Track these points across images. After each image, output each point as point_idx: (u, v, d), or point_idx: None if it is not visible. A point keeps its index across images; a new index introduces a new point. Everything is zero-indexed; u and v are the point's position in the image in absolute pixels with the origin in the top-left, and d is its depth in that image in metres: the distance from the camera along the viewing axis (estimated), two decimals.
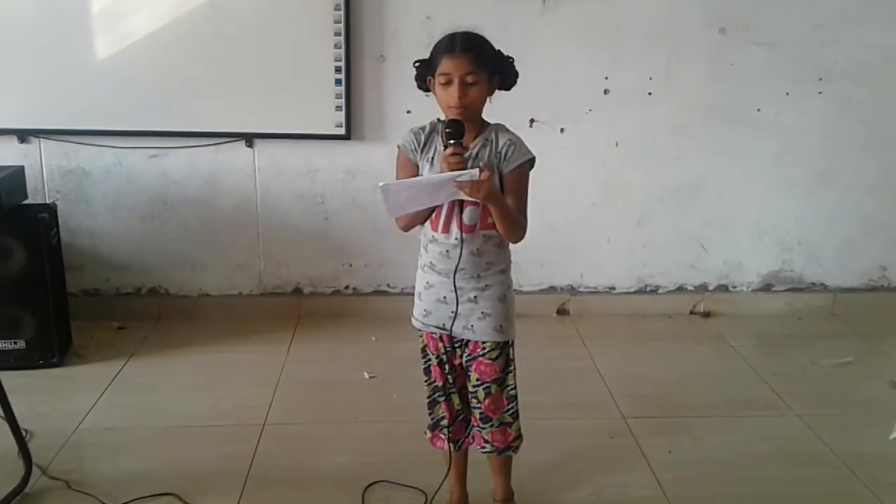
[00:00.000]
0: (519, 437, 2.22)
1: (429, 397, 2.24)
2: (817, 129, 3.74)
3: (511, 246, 2.12)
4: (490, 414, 2.15)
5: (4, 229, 3.04)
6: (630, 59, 3.60)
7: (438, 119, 2.06)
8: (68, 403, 2.94)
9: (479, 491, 2.36)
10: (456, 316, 2.07)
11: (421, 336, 2.19)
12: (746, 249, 3.91)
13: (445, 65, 1.90)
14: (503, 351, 2.12)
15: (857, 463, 2.63)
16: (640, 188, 3.79)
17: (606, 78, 3.62)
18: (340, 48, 3.44)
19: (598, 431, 2.83)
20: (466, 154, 1.92)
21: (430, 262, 2.08)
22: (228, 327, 3.65)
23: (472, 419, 2.20)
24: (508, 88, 2.03)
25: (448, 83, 1.91)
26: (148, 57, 3.42)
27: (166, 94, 3.46)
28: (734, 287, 3.97)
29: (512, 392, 2.17)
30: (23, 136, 3.52)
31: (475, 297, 2.07)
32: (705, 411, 2.98)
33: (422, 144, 2.03)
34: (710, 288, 3.96)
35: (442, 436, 2.24)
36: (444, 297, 2.08)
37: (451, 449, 2.23)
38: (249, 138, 3.59)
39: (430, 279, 2.10)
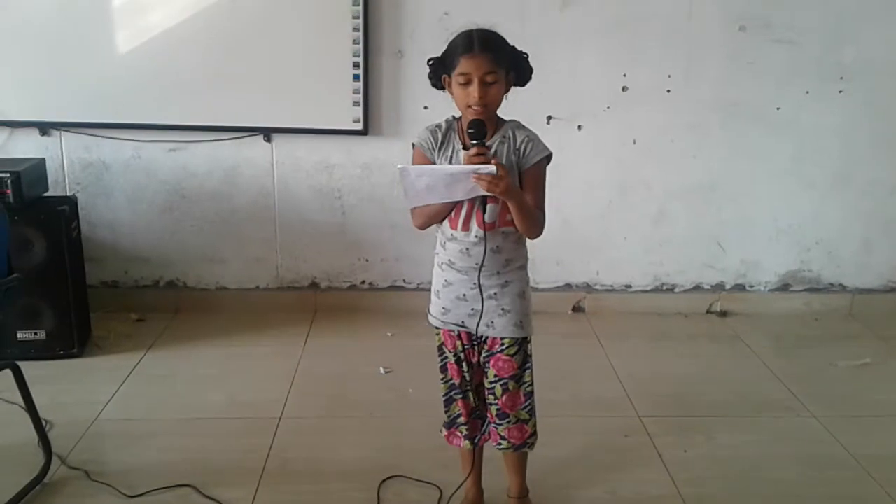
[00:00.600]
0: (534, 433, 2.22)
1: (445, 395, 2.24)
2: (837, 129, 3.71)
3: (528, 243, 2.12)
4: (507, 410, 2.16)
5: (26, 221, 3.08)
6: (649, 57, 3.59)
7: (454, 116, 2.06)
8: (88, 394, 2.97)
9: (495, 488, 2.37)
10: (480, 314, 2.07)
11: (438, 334, 2.20)
12: (764, 249, 3.89)
13: (465, 64, 1.90)
14: (521, 347, 2.13)
15: (873, 465, 2.61)
16: (658, 186, 3.78)
17: (625, 75, 3.61)
18: (359, 44, 3.45)
19: (613, 429, 2.82)
20: (490, 153, 1.92)
21: (450, 260, 2.08)
22: (246, 320, 3.68)
23: (489, 416, 2.21)
24: (523, 84, 2.02)
25: (468, 83, 1.91)
26: (168, 51, 3.44)
27: (186, 88, 3.48)
28: (751, 286, 3.95)
29: (529, 389, 2.17)
30: (44, 128, 3.56)
31: (495, 293, 2.07)
32: (721, 411, 2.97)
33: (439, 143, 2.03)
34: (727, 287, 3.94)
35: (458, 433, 2.24)
36: (464, 295, 2.08)
37: (468, 446, 2.24)
38: (268, 133, 3.61)
39: (449, 277, 2.10)
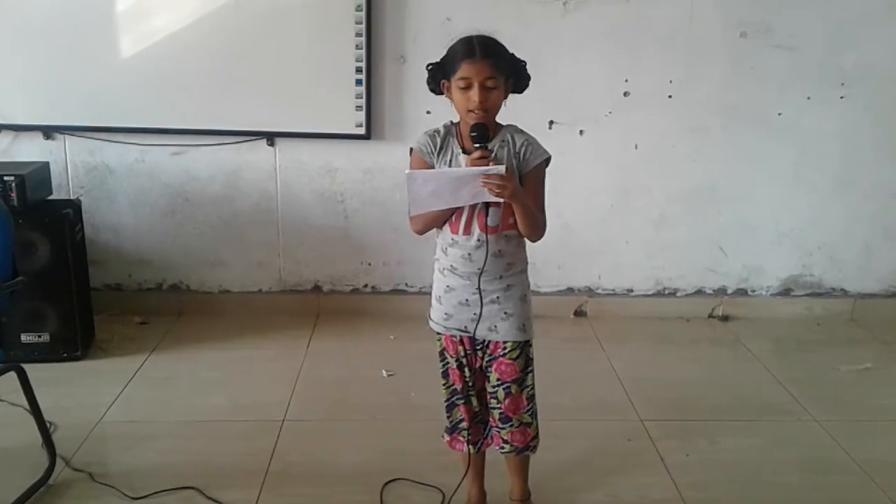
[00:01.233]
0: (536, 436, 2.23)
1: (447, 400, 2.24)
2: (838, 134, 3.72)
3: (529, 246, 2.13)
4: (510, 414, 2.17)
5: (30, 224, 3.09)
6: (650, 62, 3.60)
7: (452, 122, 2.07)
8: (91, 397, 2.98)
9: (497, 491, 2.37)
10: (481, 318, 2.08)
11: (439, 339, 2.20)
12: (766, 253, 3.90)
13: (465, 69, 1.92)
14: (523, 350, 2.13)
15: (875, 469, 2.62)
16: (659, 191, 3.79)
17: (626, 80, 3.62)
18: (361, 49, 3.47)
19: (615, 433, 2.83)
20: (491, 156, 1.93)
21: (451, 266, 2.09)
22: (248, 324, 3.69)
23: (491, 420, 2.21)
24: (521, 91, 2.04)
25: (468, 87, 1.92)
26: (172, 55, 3.46)
27: (190, 92, 3.50)
28: (753, 291, 3.96)
29: (531, 392, 2.18)
30: (48, 132, 3.57)
31: (498, 297, 2.08)
32: (723, 415, 2.98)
33: (438, 147, 2.04)
34: (729, 292, 3.95)
35: (461, 438, 2.24)
36: (466, 300, 2.09)
37: (470, 451, 2.25)
38: (271, 137, 3.63)
39: (451, 282, 2.11)
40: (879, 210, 3.84)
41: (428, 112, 3.51)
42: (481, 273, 2.04)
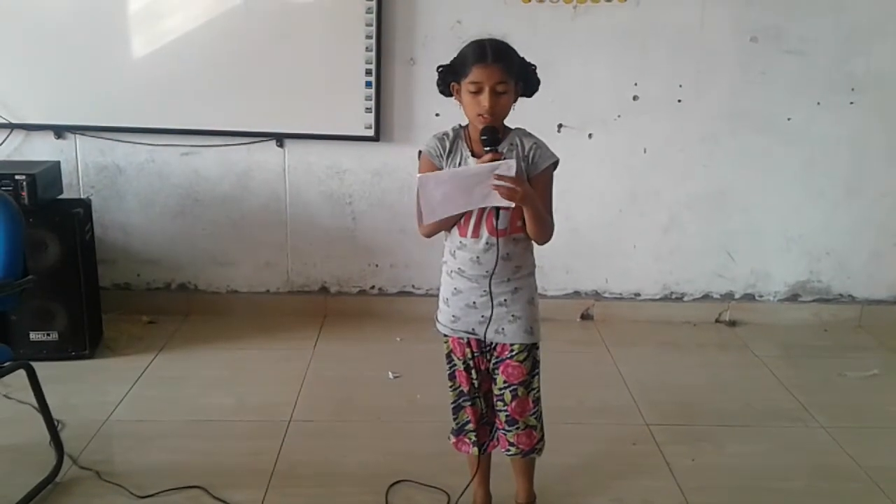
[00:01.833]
0: (542, 439, 2.23)
1: (453, 402, 2.25)
2: (848, 140, 3.71)
3: (535, 249, 2.13)
4: (516, 416, 2.17)
5: (40, 223, 3.11)
6: (660, 66, 3.60)
7: (461, 125, 2.08)
8: (99, 395, 3.00)
9: (502, 493, 2.37)
10: (490, 321, 2.08)
11: (446, 341, 2.21)
12: (774, 259, 3.89)
13: (476, 73, 1.92)
14: (530, 353, 2.14)
15: (882, 476, 2.61)
16: (668, 195, 3.78)
17: (636, 84, 3.62)
18: (371, 51, 3.48)
19: (621, 437, 2.83)
20: (501, 159, 1.93)
21: (459, 268, 2.09)
22: (256, 324, 3.70)
23: (497, 422, 2.22)
24: (530, 95, 2.05)
25: (478, 91, 1.93)
26: (182, 56, 3.48)
27: (199, 93, 3.52)
28: (761, 296, 3.95)
29: (537, 395, 2.18)
30: (59, 132, 3.59)
31: (505, 300, 2.09)
32: (729, 420, 2.97)
33: (447, 150, 2.04)
34: (737, 297, 3.94)
35: (467, 440, 2.25)
36: (474, 303, 2.10)
37: (476, 453, 2.25)
38: (280, 138, 3.64)
39: (459, 285, 2.11)
40: (888, 216, 3.83)
41: (437, 114, 3.50)
42: (491, 276, 2.04)
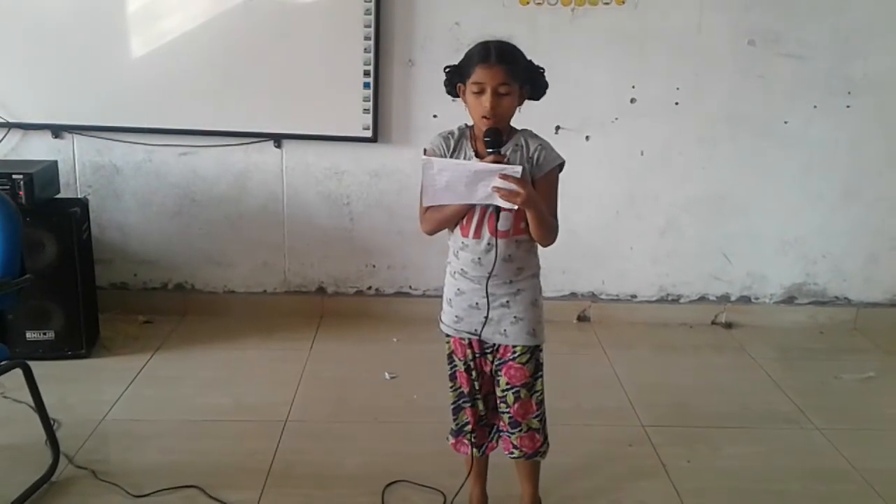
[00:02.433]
0: (546, 442, 2.22)
1: (453, 403, 2.24)
2: (845, 143, 3.72)
3: (539, 251, 2.13)
4: (519, 419, 2.16)
5: (37, 223, 3.10)
6: (657, 69, 3.61)
7: (466, 125, 2.08)
8: (95, 394, 3.00)
9: (499, 495, 2.38)
10: (487, 322, 2.08)
11: (448, 342, 2.21)
12: (770, 261, 3.90)
13: (479, 74, 1.92)
14: (533, 355, 2.13)
15: (876, 478, 2.61)
16: (665, 197, 3.79)
17: (633, 87, 3.63)
18: (370, 52, 3.48)
19: (617, 439, 2.83)
20: (504, 160, 1.94)
21: (462, 269, 2.09)
22: (253, 324, 3.70)
23: (500, 424, 2.21)
24: (538, 99, 2.05)
25: (481, 92, 1.93)
26: (181, 57, 3.48)
27: (198, 93, 3.52)
28: (757, 298, 3.96)
29: (540, 397, 2.18)
30: (56, 131, 3.59)
31: (507, 301, 2.08)
32: (725, 422, 2.98)
33: (451, 149, 2.05)
34: (733, 299, 3.95)
35: (466, 441, 2.24)
36: (476, 304, 2.09)
37: (475, 453, 2.25)
38: (278, 139, 3.64)
39: (462, 286, 2.11)
40: (885, 220, 3.84)
41: (435, 116, 3.52)
42: (489, 277, 2.04)
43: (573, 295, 3.93)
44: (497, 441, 2.26)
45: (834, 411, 3.07)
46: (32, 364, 2.41)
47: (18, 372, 2.36)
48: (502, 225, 2.00)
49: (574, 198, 3.66)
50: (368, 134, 3.58)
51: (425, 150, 2.09)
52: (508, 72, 1.92)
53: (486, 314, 2.08)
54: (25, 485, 2.36)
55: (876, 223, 3.84)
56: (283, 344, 3.53)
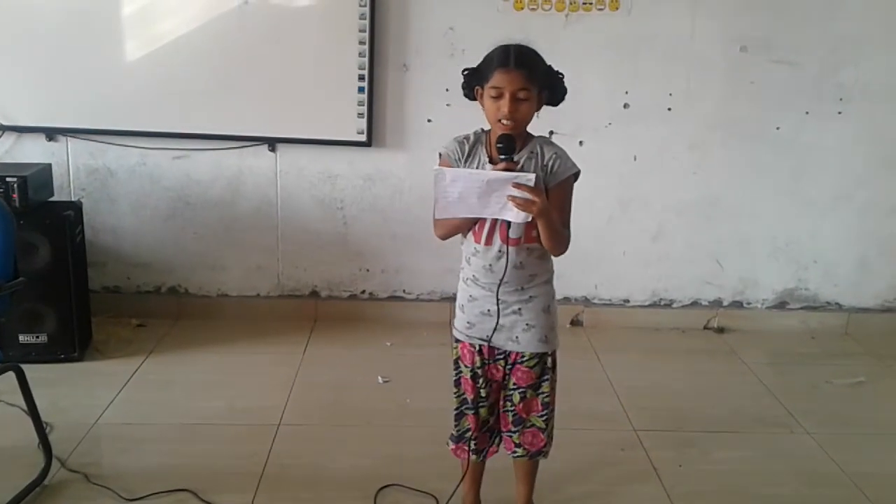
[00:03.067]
0: (549, 443, 2.22)
1: (456, 409, 2.23)
2: (836, 149, 3.74)
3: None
4: (523, 415, 2.17)
5: (31, 226, 3.10)
6: (650, 75, 3.63)
7: (483, 129, 2.06)
8: (88, 398, 2.99)
9: (492, 498, 2.38)
10: (499, 329, 2.08)
11: (455, 347, 2.20)
12: (762, 266, 3.92)
13: (498, 78, 1.91)
14: (541, 359, 2.13)
15: (866, 482, 2.63)
16: (658, 202, 3.81)
17: (626, 92, 3.65)
18: (364, 57, 3.49)
19: (609, 443, 2.84)
20: (517, 168, 1.93)
21: (473, 276, 2.09)
22: (246, 328, 3.70)
23: (503, 424, 2.21)
24: (556, 104, 2.03)
25: (499, 96, 1.92)
26: (175, 60, 3.48)
27: (192, 96, 3.52)
28: (749, 303, 3.98)
29: (546, 399, 2.17)
30: (51, 134, 3.59)
31: (519, 308, 2.08)
32: (716, 426, 2.99)
33: (466, 154, 2.03)
34: (725, 304, 3.97)
35: (466, 447, 2.23)
36: (488, 310, 2.09)
37: (473, 458, 2.24)
38: (272, 143, 3.65)
39: (474, 292, 2.11)
40: (875, 225, 3.86)
41: (429, 120, 3.53)
42: (500, 284, 2.03)
43: (566, 299, 3.93)
44: (498, 445, 2.26)
45: (825, 416, 3.09)
46: (25, 367, 2.41)
47: (11, 375, 2.35)
48: (513, 233, 1.99)
49: None
50: (363, 138, 3.59)
51: (440, 155, 2.07)
52: (528, 76, 1.91)
53: (497, 321, 2.08)
54: (18, 488, 2.36)
55: (866, 229, 3.87)
56: (276, 348, 3.54)
